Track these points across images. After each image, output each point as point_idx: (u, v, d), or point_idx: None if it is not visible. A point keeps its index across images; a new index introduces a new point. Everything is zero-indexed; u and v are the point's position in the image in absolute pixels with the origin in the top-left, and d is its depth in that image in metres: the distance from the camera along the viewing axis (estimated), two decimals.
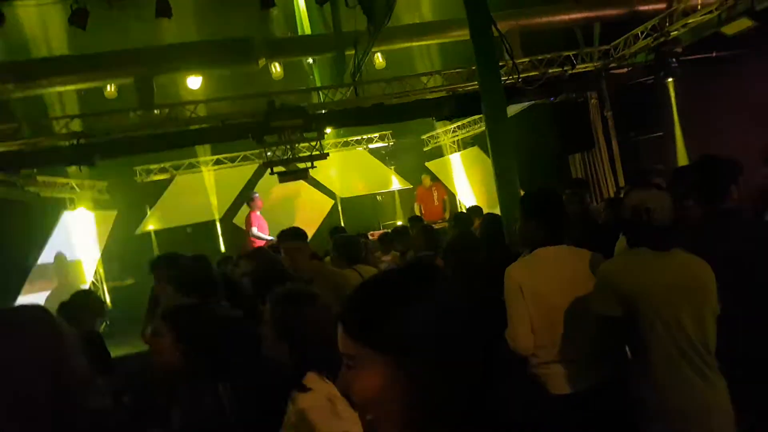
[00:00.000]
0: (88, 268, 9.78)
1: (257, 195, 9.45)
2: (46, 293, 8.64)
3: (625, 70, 7.77)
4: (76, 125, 6.89)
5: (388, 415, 0.95)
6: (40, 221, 8.80)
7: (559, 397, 2.51)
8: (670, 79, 6.83)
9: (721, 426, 2.23)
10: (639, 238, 2.35)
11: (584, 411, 2.45)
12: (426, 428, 0.93)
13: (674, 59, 6.33)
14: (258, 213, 9.24)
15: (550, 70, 7.53)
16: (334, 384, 1.79)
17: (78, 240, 9.52)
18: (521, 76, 6.90)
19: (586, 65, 7.88)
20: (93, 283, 10.00)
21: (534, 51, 7.76)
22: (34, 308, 1.38)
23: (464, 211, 8.01)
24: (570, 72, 7.66)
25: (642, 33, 7.21)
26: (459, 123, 11.14)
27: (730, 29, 5.73)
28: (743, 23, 5.56)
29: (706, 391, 2.22)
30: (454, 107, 6.68)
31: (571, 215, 3.60)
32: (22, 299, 8.03)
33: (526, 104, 7.94)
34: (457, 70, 7.72)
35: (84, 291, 8.14)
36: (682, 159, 7.04)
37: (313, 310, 1.99)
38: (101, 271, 10.29)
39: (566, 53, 7.74)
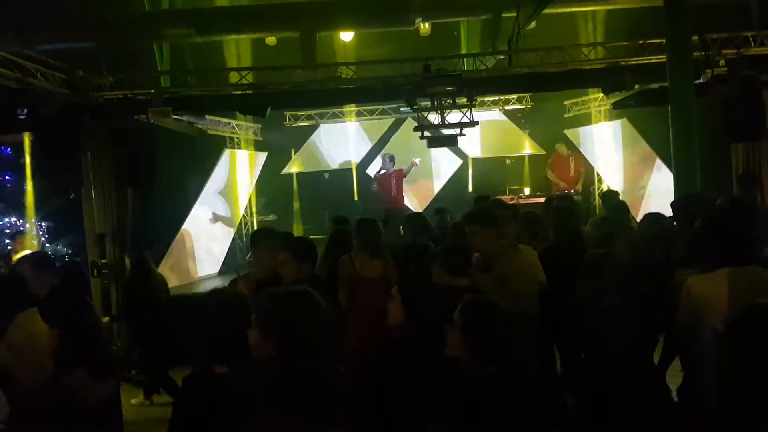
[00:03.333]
0: (242, 201, 10.88)
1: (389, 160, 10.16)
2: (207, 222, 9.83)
3: None
4: (250, 76, 7.58)
5: None
6: (206, 155, 9.89)
7: None
8: None
9: None
10: None
11: None
12: None
13: None
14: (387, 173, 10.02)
15: (724, 51, 7.04)
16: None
17: (235, 176, 10.58)
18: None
19: (764, 48, 7.26)
20: (243, 216, 11.11)
21: (704, 30, 7.25)
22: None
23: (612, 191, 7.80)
24: (745, 54, 7.11)
25: None
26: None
27: None
28: None
29: None
30: (624, 80, 6.42)
31: None
32: (192, 215, 9.19)
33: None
34: (623, 44, 7.45)
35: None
36: None
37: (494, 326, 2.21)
38: (252, 205, 11.38)
39: (745, 33, 7.17)
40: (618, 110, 10.62)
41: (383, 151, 11.18)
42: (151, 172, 7.04)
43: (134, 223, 6.86)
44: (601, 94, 10.34)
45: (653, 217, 4.02)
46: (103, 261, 6.84)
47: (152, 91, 7.53)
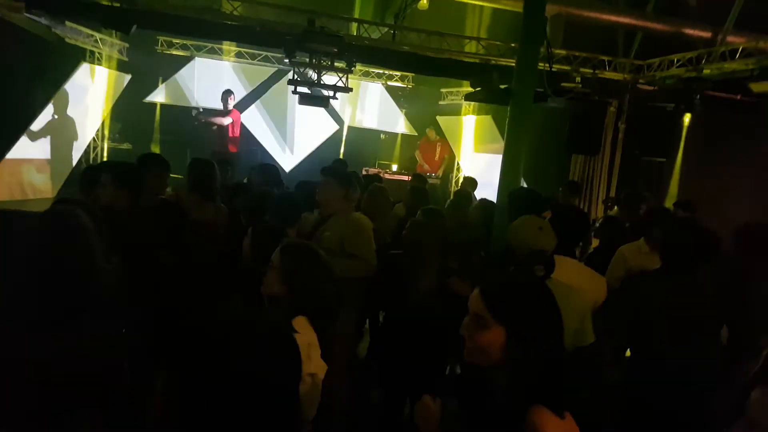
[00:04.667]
0: (92, 123, 9.95)
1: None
2: (47, 138, 8.87)
3: (651, 88, 8.00)
4: None
5: (489, 359, 1.49)
6: (59, 65, 8.87)
7: None
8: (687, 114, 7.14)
9: None
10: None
11: None
12: (520, 376, 1.44)
13: (698, 96, 6.60)
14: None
15: (582, 69, 7.72)
16: (315, 330, 2.14)
17: (89, 94, 9.64)
18: (555, 67, 7.06)
19: (617, 74, 8.09)
20: (93, 139, 10.20)
21: (574, 47, 7.91)
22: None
23: (465, 181, 8.30)
24: (600, 75, 7.87)
25: (677, 60, 7.42)
26: None
27: (756, 87, 5.99)
28: None
29: None
30: (492, 78, 6.78)
31: None
32: (24, 139, 8.24)
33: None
34: (497, 43, 7.85)
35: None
36: (674, 190, 7.44)
37: (314, 266, 2.26)
38: (105, 129, 10.47)
39: (603, 57, 7.92)
40: (486, 107, 11.30)
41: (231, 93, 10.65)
42: None
43: None
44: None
45: (483, 204, 4.46)
46: None
47: None
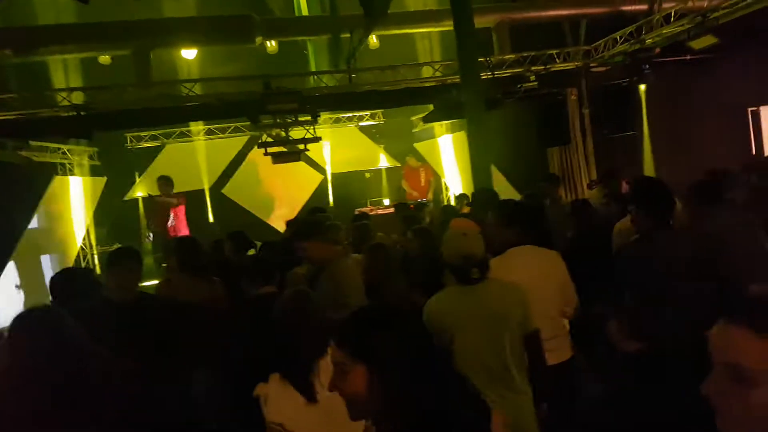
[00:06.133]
0: (78, 233, 10.08)
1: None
2: (41, 257, 8.95)
3: (604, 69, 8.18)
4: (75, 98, 7.13)
5: (366, 407, 1.40)
6: (32, 185, 8.99)
7: None
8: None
9: None
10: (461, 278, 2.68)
11: None
12: (394, 418, 1.36)
13: (647, 65, 6.75)
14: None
15: (533, 68, 7.90)
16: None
17: (68, 205, 9.79)
18: (507, 72, 7.27)
19: (568, 64, 8.28)
20: (82, 248, 10.31)
21: (525, 47, 8.12)
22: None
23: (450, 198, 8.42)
24: (552, 69, 8.05)
25: (621, 38, 7.61)
26: None
27: (697, 44, 6.14)
28: (709, 39, 5.96)
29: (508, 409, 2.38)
30: (452, 97, 6.96)
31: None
32: (12, 264, 8.29)
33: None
34: (449, 62, 8.06)
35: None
36: (648, 159, 7.52)
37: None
38: (91, 236, 10.59)
39: (550, 51, 8.12)
40: (457, 124, 11.49)
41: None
42: None
43: None
44: None
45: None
46: None
47: None
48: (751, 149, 6.45)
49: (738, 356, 0.93)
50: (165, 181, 8.65)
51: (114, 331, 2.56)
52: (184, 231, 8.78)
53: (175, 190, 11.19)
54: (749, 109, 6.44)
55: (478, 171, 4.14)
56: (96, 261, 10.40)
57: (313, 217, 3.97)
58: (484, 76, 4.40)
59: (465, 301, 2.63)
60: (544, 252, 3.20)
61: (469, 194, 8.18)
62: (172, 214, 8.75)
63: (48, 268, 9.23)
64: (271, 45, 8.89)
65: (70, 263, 9.83)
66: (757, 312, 0.94)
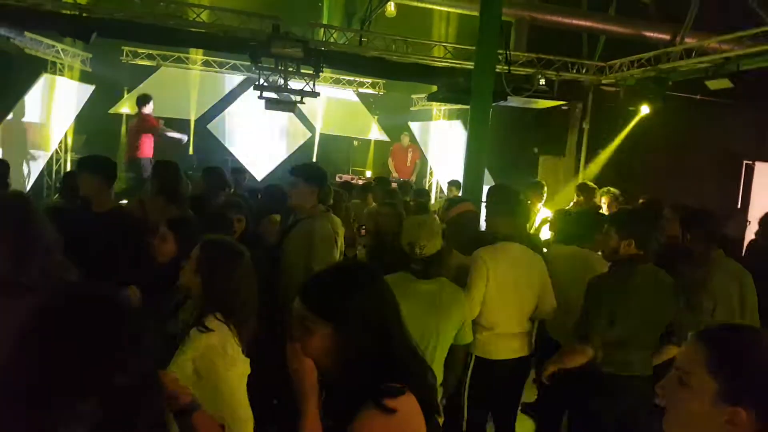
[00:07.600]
0: (55, 135, 9.75)
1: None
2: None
3: (614, 89, 8.16)
4: None
5: (328, 364, 1.37)
6: (19, 76, 8.69)
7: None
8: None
9: None
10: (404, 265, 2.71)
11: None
12: (354, 376, 1.34)
13: (662, 97, 6.75)
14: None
15: (546, 72, 7.83)
16: (229, 326, 2.11)
17: (50, 105, 9.44)
18: (520, 70, 7.18)
19: (581, 75, 8.23)
20: (56, 151, 10.00)
21: (539, 49, 8.03)
22: None
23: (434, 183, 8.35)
24: (564, 77, 8.00)
25: (637, 61, 7.58)
26: None
27: (713, 85, 6.16)
28: (724, 83, 5.99)
29: None
30: (458, 83, 6.85)
31: None
32: None
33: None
34: (461, 47, 7.93)
35: None
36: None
37: (236, 266, 2.22)
38: (68, 141, 10.27)
39: (568, 59, 8.05)
40: (456, 111, 11.41)
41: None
42: None
43: None
44: None
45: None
46: None
47: None
48: (737, 201, 6.54)
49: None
50: (145, 99, 8.26)
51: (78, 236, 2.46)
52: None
53: (159, 114, 10.97)
54: (745, 162, 6.52)
55: (472, 158, 4.09)
56: (68, 167, 10.09)
57: (324, 170, 3.88)
58: (499, 68, 4.31)
59: (405, 293, 2.54)
60: (532, 253, 3.31)
61: (458, 182, 8.11)
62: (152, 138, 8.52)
63: (16, 164, 8.96)
64: None
65: (42, 164, 9.55)
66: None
